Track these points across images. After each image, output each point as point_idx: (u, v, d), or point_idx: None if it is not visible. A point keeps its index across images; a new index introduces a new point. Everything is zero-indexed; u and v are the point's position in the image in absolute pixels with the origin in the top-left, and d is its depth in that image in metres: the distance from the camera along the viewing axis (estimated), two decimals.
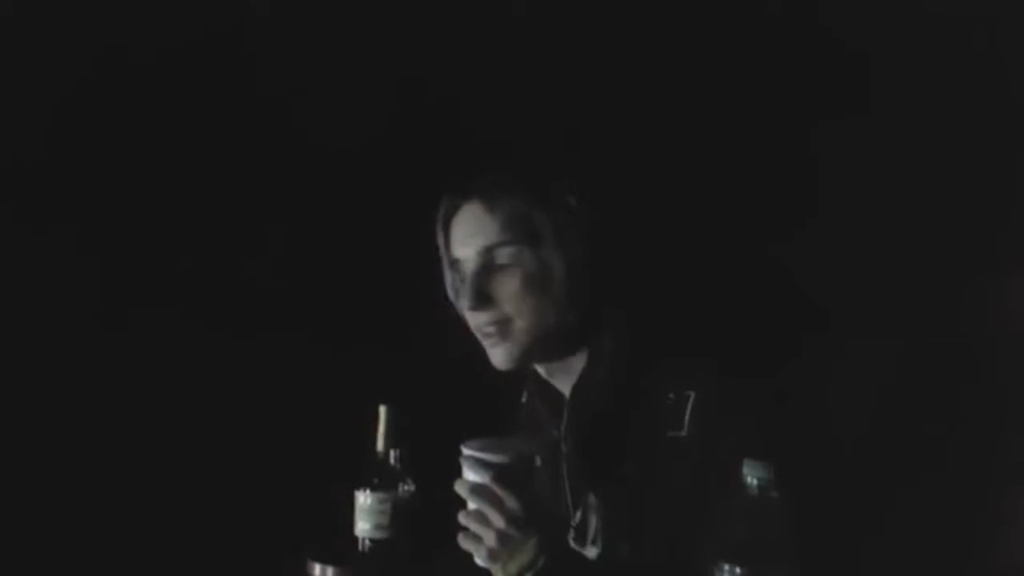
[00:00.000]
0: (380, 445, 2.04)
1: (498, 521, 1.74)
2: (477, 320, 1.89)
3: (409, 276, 2.21)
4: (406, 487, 2.04)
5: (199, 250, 2.60)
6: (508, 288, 1.86)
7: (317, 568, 2.03)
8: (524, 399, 2.02)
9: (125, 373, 2.52)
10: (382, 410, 2.04)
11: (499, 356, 1.89)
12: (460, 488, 1.78)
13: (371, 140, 2.61)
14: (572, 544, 1.87)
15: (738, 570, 1.48)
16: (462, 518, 1.78)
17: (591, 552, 1.86)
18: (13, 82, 2.46)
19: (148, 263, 2.57)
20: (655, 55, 2.55)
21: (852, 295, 2.42)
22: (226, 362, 2.53)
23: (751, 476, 1.49)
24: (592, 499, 1.86)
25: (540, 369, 1.96)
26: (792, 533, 1.50)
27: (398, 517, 2.02)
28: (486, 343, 1.90)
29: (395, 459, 2.04)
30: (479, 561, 1.79)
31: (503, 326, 1.88)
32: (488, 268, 1.87)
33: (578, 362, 1.90)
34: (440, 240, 1.95)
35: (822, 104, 2.48)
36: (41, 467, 2.44)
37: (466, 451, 1.79)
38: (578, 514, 1.88)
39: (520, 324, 1.87)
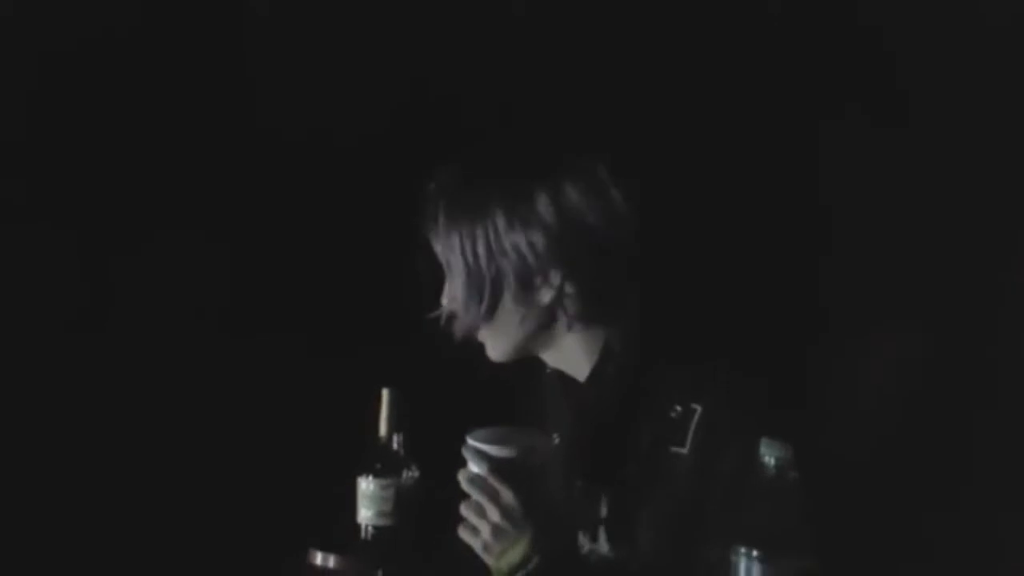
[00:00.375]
0: (383, 430, 1.99)
1: (493, 515, 1.72)
2: None
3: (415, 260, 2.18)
4: (410, 473, 2.00)
5: (203, 230, 2.58)
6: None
7: (319, 556, 1.99)
8: (548, 368, 1.97)
9: (128, 364, 2.51)
10: (384, 393, 2.00)
11: (487, 350, 1.89)
12: (461, 478, 1.76)
13: (371, 135, 2.59)
14: (582, 538, 1.83)
15: (755, 553, 1.43)
16: (462, 508, 1.76)
17: (603, 549, 1.82)
18: (11, 78, 2.45)
19: (151, 252, 2.56)
20: (655, 54, 2.53)
21: (867, 300, 2.39)
22: (227, 348, 2.51)
23: (768, 455, 1.44)
24: (603, 495, 1.83)
25: (544, 357, 1.92)
26: (810, 515, 1.45)
27: (401, 504, 1.97)
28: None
29: (398, 444, 2.00)
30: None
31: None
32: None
33: (587, 355, 1.86)
34: None
35: (833, 107, 2.45)
36: (44, 457, 2.44)
37: (469, 440, 1.77)
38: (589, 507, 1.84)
39: (484, 330, 1.86)
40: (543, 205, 1.78)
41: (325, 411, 2.45)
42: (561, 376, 1.92)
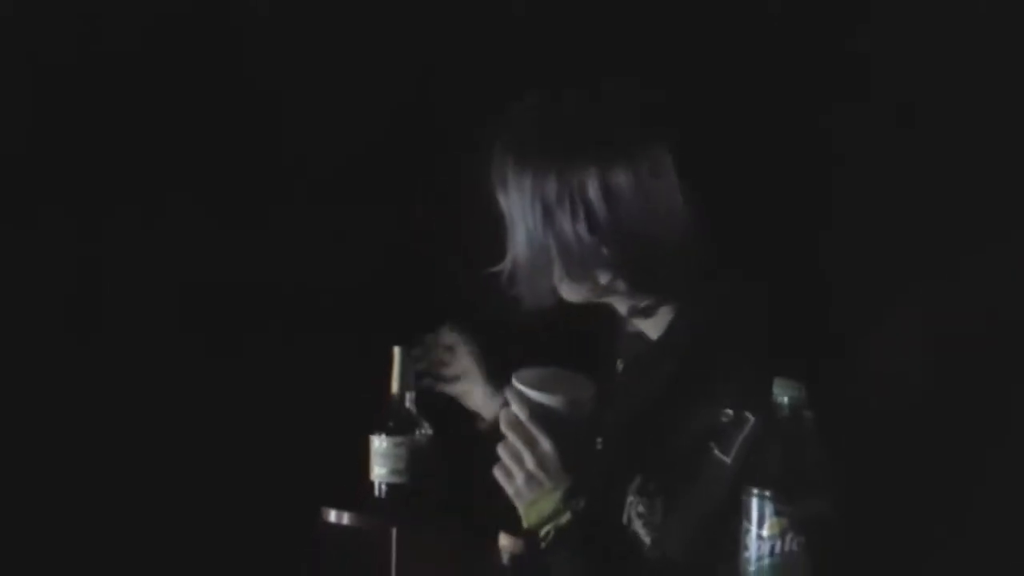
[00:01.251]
0: (395, 388, 2.00)
1: (529, 462, 1.65)
2: None
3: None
4: (422, 431, 2.00)
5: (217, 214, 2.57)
6: None
7: (333, 514, 2.00)
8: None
9: (140, 326, 2.51)
10: (396, 351, 2.00)
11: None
12: (502, 418, 1.69)
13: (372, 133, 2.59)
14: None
15: (768, 494, 1.40)
16: (500, 449, 1.69)
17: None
18: (9, 78, 2.44)
19: (159, 237, 2.55)
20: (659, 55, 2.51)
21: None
22: (242, 311, 2.51)
23: (782, 395, 1.41)
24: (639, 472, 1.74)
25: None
26: (825, 456, 1.43)
27: (414, 461, 1.98)
28: None
29: (410, 402, 2.01)
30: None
31: None
32: None
33: (655, 329, 1.78)
34: None
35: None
36: (58, 431, 2.43)
37: (514, 381, 1.69)
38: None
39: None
40: (593, 191, 1.68)
41: (338, 370, 2.44)
42: (638, 335, 1.83)
